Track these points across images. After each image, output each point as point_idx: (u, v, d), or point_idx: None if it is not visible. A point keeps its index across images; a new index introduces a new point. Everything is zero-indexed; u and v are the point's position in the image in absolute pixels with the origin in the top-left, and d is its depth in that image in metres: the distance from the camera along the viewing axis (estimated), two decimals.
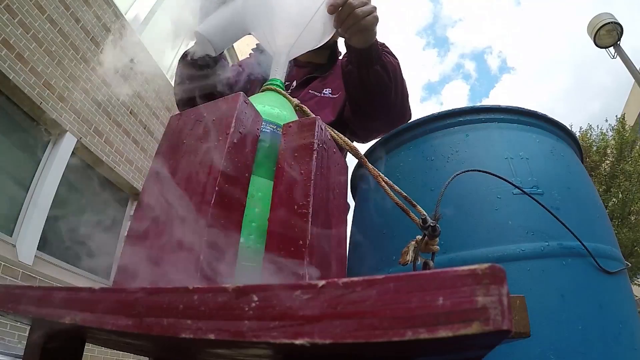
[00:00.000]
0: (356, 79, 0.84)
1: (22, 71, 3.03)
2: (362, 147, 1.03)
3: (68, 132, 3.45)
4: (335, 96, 1.01)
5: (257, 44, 0.99)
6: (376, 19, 0.73)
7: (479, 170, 0.60)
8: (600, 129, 8.95)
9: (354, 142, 1.05)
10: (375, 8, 0.72)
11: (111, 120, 4.01)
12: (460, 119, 0.76)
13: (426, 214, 0.45)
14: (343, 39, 0.81)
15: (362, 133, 1.00)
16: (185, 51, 0.83)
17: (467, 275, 0.18)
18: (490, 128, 0.74)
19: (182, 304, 0.24)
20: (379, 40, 0.81)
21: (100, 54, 3.89)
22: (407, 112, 0.92)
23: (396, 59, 0.87)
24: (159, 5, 5.04)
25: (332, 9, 0.65)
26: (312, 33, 0.62)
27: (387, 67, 0.82)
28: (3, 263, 2.71)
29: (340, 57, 1.11)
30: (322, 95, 1.02)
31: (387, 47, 0.87)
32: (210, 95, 0.97)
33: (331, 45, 1.12)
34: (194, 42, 0.70)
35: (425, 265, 0.44)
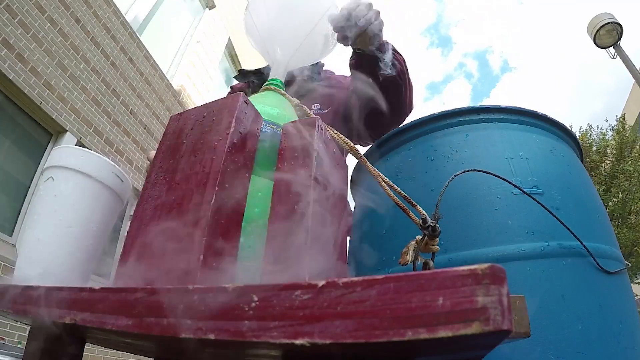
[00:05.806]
0: (367, 82, 0.84)
1: (22, 71, 3.03)
2: (362, 147, 1.03)
3: (68, 132, 3.45)
4: (324, 111, 0.99)
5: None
6: (382, 24, 0.75)
7: (479, 170, 0.60)
8: (600, 129, 8.96)
9: (359, 142, 1.05)
10: (378, 13, 0.73)
11: (111, 120, 4.01)
12: (461, 119, 0.76)
13: (426, 214, 0.45)
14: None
15: (372, 132, 0.98)
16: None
17: (467, 275, 0.18)
18: (491, 128, 0.74)
19: (182, 304, 0.24)
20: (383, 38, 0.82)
21: (100, 53, 3.89)
22: (412, 104, 0.97)
23: (401, 55, 0.88)
24: (159, 6, 5.04)
25: (339, 28, 0.67)
26: (312, 47, 0.63)
27: (397, 66, 0.84)
28: (3, 263, 2.71)
29: (347, 57, 1.11)
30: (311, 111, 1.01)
31: (391, 45, 0.87)
32: None
33: None
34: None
35: (425, 265, 0.44)
